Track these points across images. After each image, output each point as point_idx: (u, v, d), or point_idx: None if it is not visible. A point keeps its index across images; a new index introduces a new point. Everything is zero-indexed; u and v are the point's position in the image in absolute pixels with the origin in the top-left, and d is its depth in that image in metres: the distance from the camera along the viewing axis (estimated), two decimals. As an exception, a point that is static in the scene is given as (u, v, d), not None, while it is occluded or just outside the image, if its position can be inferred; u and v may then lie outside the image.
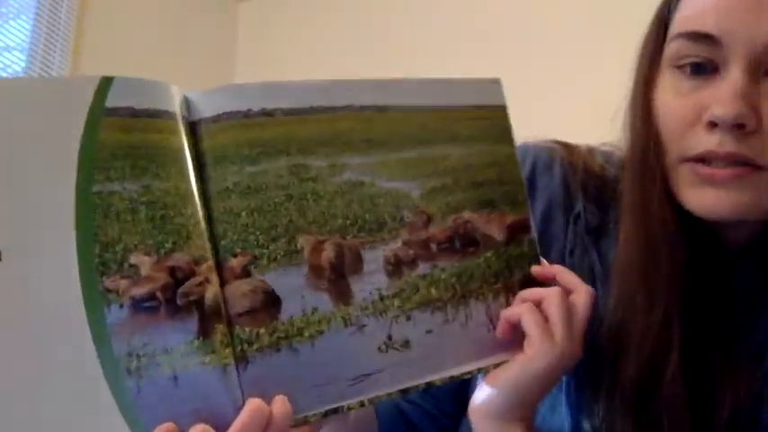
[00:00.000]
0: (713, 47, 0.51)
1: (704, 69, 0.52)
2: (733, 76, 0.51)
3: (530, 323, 0.49)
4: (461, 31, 2.57)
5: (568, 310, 0.49)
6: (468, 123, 0.54)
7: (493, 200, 0.54)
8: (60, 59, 2.33)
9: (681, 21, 0.54)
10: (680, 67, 0.54)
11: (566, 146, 0.66)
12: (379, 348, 0.47)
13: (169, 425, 0.40)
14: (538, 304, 0.50)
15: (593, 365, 0.55)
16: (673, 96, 0.54)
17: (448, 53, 2.53)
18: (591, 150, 0.65)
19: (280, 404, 0.43)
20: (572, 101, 2.16)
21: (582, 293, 0.51)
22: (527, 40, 2.41)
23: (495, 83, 0.55)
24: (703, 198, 0.52)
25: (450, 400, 0.65)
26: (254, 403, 0.42)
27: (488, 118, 0.55)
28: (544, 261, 0.55)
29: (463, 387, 0.61)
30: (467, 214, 0.52)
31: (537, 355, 0.48)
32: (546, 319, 0.49)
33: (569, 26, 2.34)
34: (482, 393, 0.51)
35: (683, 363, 0.53)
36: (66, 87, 0.41)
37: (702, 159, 0.52)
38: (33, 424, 0.39)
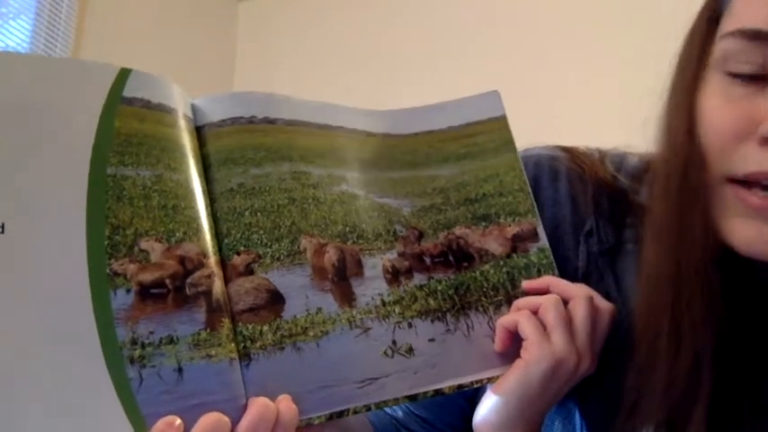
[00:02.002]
0: None
1: (761, 75, 0.44)
2: None
3: (526, 328, 0.48)
4: (461, 31, 2.55)
5: (565, 315, 0.49)
6: (464, 141, 0.56)
7: (489, 214, 0.54)
8: (60, 59, 2.30)
9: (734, 14, 0.45)
10: (730, 73, 0.45)
11: (571, 153, 0.59)
12: (384, 353, 0.47)
13: (173, 418, 0.38)
14: (536, 313, 0.49)
15: (610, 412, 0.51)
16: (721, 102, 0.45)
17: (447, 52, 2.52)
18: (602, 157, 0.59)
19: (286, 403, 0.41)
20: (570, 102, 2.18)
21: (578, 302, 0.49)
22: (526, 42, 2.41)
23: (493, 95, 0.57)
24: (743, 230, 0.45)
25: None
26: (260, 401, 0.40)
27: (487, 132, 0.56)
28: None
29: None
30: (459, 230, 0.54)
31: (534, 358, 0.47)
32: (544, 326, 0.48)
33: (567, 28, 2.36)
34: (485, 404, 0.50)
35: (709, 413, 0.47)
36: (86, 70, 0.41)
37: (749, 182, 0.44)
38: (29, 407, 0.36)
